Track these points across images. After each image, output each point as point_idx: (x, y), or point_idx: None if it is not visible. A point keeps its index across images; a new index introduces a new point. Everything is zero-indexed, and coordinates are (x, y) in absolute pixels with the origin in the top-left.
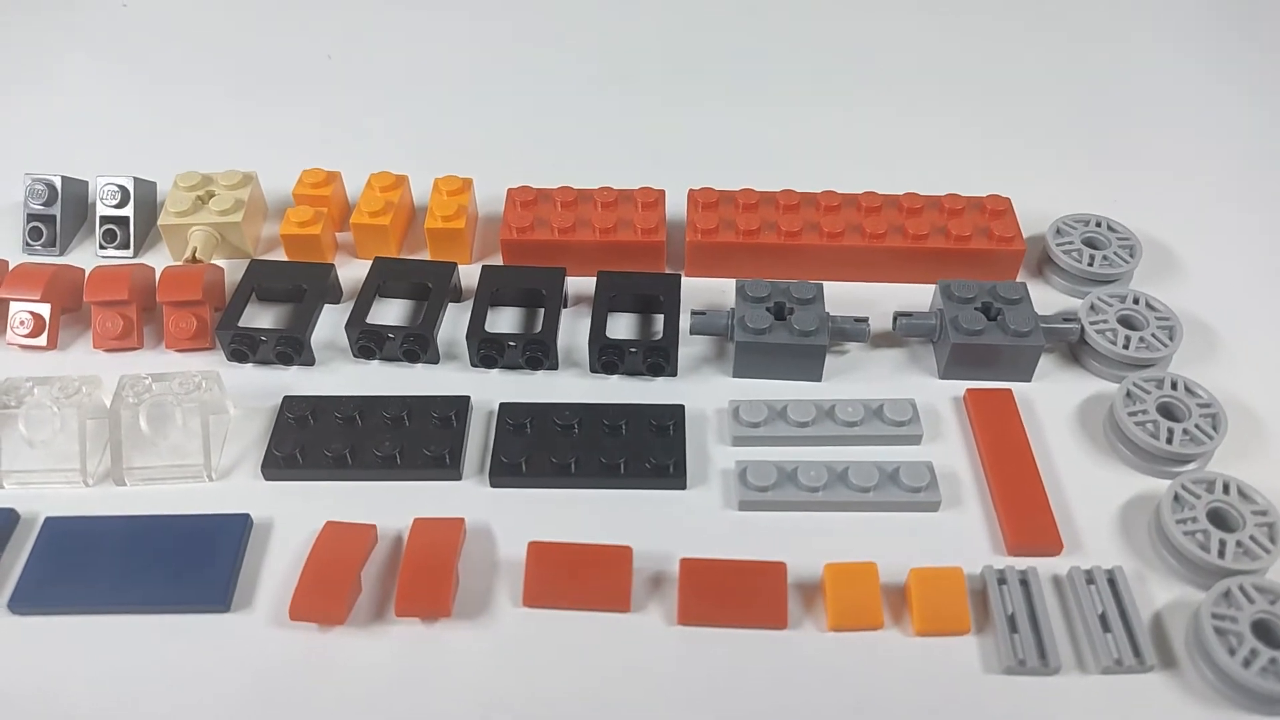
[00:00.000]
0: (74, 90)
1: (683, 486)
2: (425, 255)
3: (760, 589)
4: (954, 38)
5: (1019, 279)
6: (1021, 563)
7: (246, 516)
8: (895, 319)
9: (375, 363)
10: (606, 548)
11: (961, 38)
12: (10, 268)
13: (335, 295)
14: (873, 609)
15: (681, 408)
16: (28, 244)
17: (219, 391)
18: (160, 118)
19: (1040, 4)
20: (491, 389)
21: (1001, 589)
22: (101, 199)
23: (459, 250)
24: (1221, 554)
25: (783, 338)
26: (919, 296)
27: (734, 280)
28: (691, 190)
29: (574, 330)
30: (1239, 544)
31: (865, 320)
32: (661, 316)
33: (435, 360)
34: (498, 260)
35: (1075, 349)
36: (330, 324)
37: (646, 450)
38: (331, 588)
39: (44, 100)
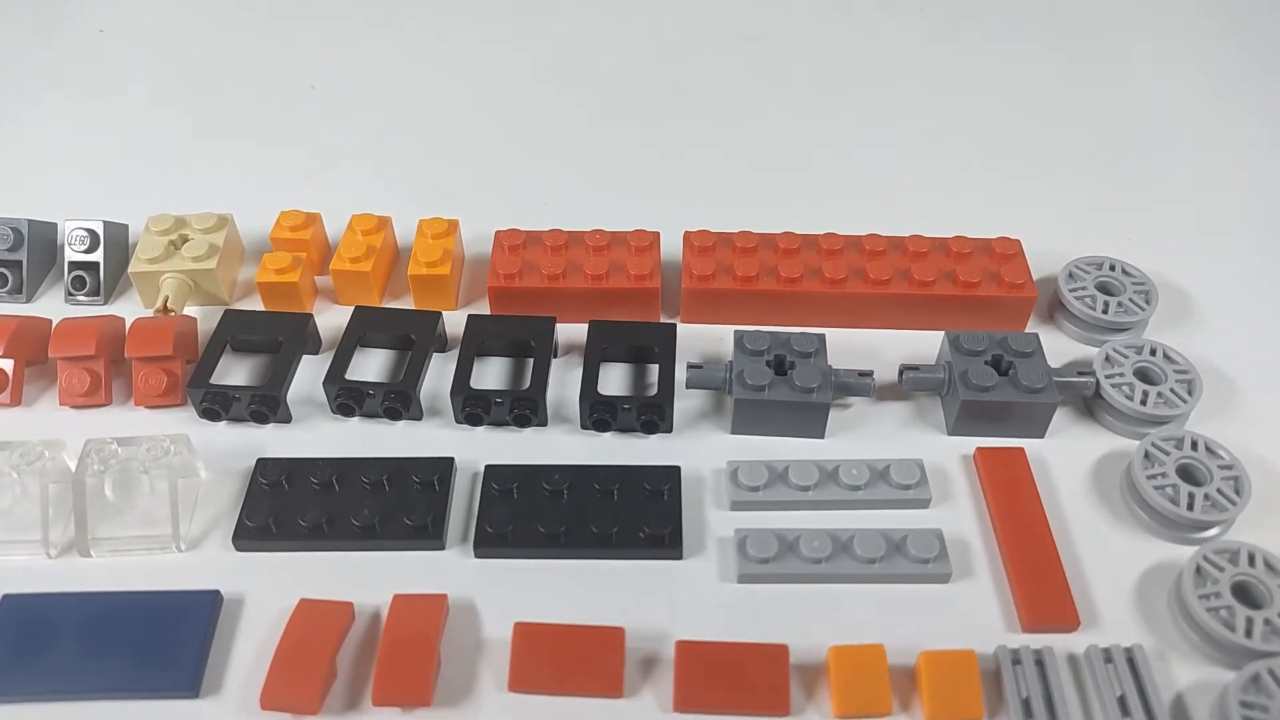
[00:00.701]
0: (40, 125)
1: (679, 556)
2: (409, 300)
3: (761, 673)
4: (957, 73)
5: (1029, 324)
6: (1037, 640)
7: (216, 594)
8: (901, 373)
9: (355, 420)
10: (597, 629)
11: (965, 73)
12: None
13: (314, 346)
14: (881, 695)
15: (677, 470)
16: None
17: (189, 455)
18: (131, 153)
19: (1048, 38)
20: (477, 448)
21: (1016, 670)
22: (70, 244)
23: (444, 297)
24: (1249, 633)
25: (784, 395)
26: (925, 344)
27: (731, 327)
28: (687, 233)
29: (564, 381)
30: (1267, 622)
31: (870, 374)
32: (656, 367)
33: (418, 417)
34: (485, 306)
35: (1089, 403)
36: (308, 375)
37: (641, 517)
38: (305, 674)
39: (7, 136)
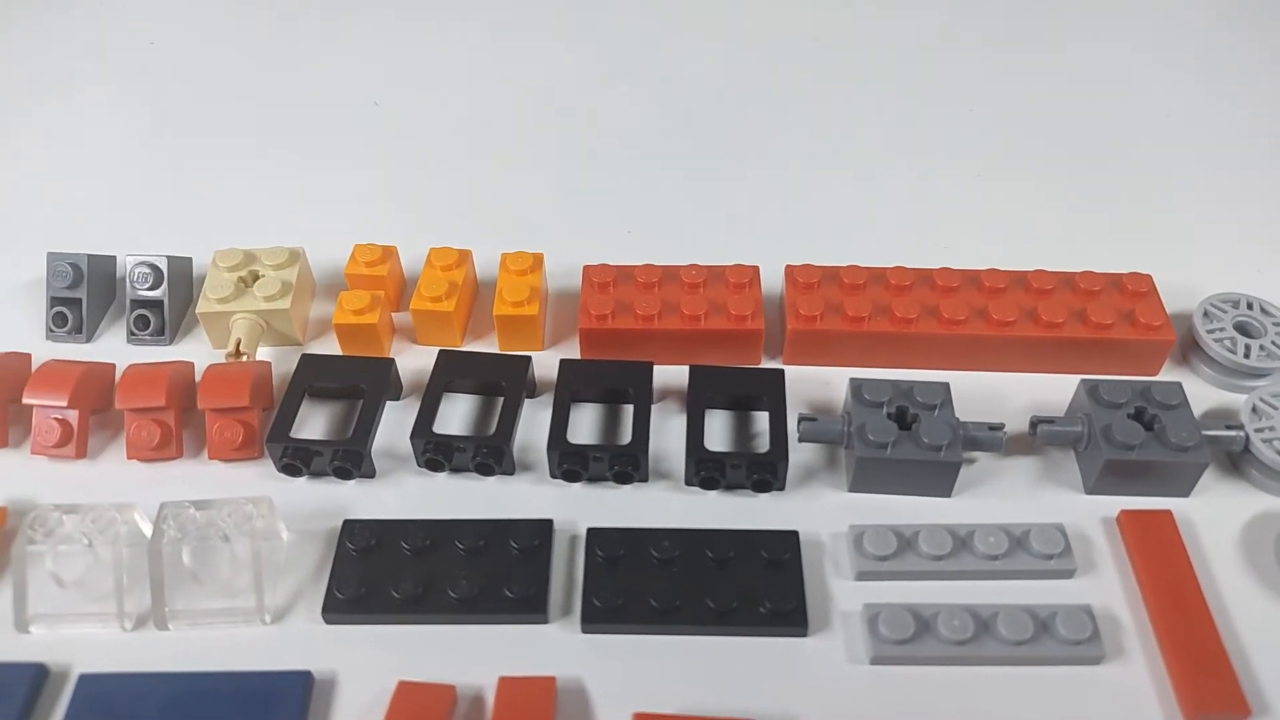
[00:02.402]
0: (90, 149)
1: (803, 634)
2: (490, 339)
3: None
4: (1068, 90)
5: (1163, 367)
6: None
7: (308, 674)
8: (1034, 425)
9: (442, 475)
10: None
11: (1075, 88)
12: (33, 361)
13: (395, 392)
14: None
15: (796, 536)
16: (51, 330)
17: (272, 518)
18: (185, 180)
19: (1167, 53)
20: (574, 506)
21: None
22: (132, 281)
23: (530, 338)
24: None
25: (910, 453)
26: (1049, 389)
27: (835, 370)
28: (789, 267)
29: (663, 431)
30: None
31: (1001, 428)
32: (761, 415)
33: (510, 472)
34: (570, 346)
35: (1235, 457)
36: (390, 422)
37: (759, 588)
38: None
39: (57, 161)
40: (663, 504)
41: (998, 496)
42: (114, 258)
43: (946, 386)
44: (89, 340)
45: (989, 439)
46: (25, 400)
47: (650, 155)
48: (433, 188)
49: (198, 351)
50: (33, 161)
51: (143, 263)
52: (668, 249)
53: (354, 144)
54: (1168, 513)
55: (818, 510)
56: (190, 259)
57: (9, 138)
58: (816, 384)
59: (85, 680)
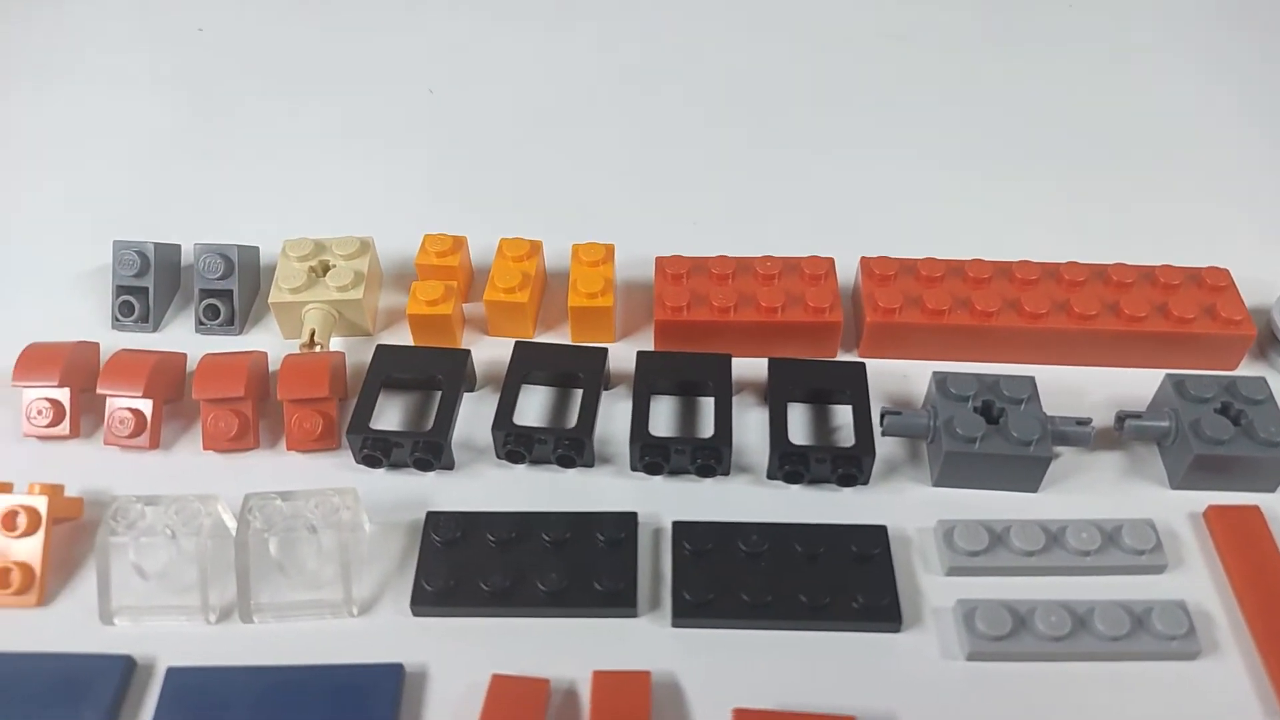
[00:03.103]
0: (144, 135)
1: (897, 629)
2: (561, 330)
3: None
4: (1137, 88)
5: (1241, 362)
6: None
7: (399, 667)
8: (1121, 420)
9: (522, 467)
10: (827, 718)
11: (1146, 85)
12: (101, 350)
13: (470, 383)
14: None
15: (884, 530)
16: (117, 319)
17: (357, 510)
18: (245, 169)
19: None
20: (653, 499)
21: None
22: (202, 270)
23: (604, 330)
24: None
25: (999, 447)
26: (1127, 383)
27: (912, 363)
28: (864, 259)
29: (740, 424)
30: None
31: (1089, 423)
32: (839, 408)
33: (590, 464)
34: (639, 338)
35: None
36: (464, 414)
37: (849, 583)
38: None
39: (122, 155)
40: (746, 498)
41: (1082, 491)
42: (179, 246)
43: (1033, 380)
44: (155, 329)
45: (1076, 434)
46: (99, 391)
47: (715, 147)
48: (489, 179)
49: (266, 341)
50: (94, 151)
51: (213, 252)
52: (733, 241)
53: (411, 135)
54: (1255, 508)
55: (902, 505)
56: (257, 248)
57: (71, 127)
58: (894, 377)
59: (174, 673)
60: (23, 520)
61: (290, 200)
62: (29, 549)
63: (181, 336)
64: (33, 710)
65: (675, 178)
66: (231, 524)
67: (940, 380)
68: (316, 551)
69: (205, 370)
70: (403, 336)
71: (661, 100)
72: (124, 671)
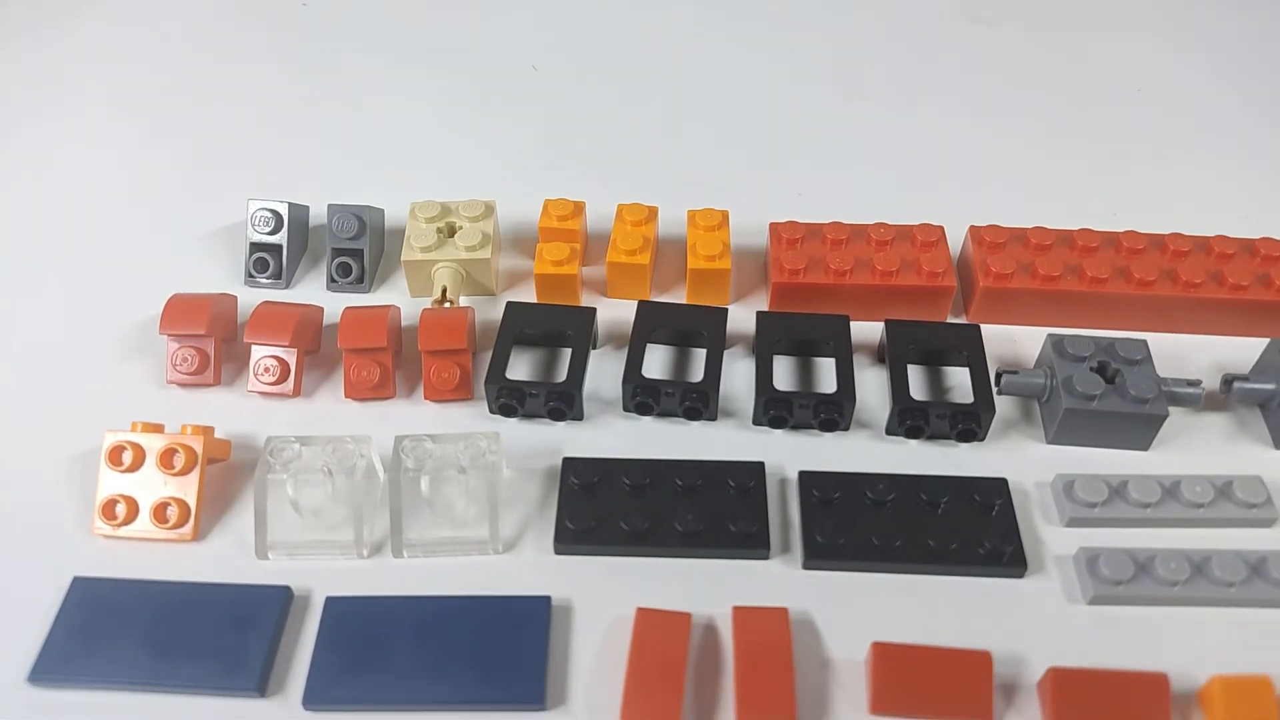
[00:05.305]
0: (255, 105)
1: (1021, 574)
2: (676, 293)
3: (1138, 702)
4: (1236, 55)
5: None
6: None
7: (547, 599)
8: (1228, 383)
9: (648, 419)
10: (963, 652)
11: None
12: (238, 302)
13: (595, 341)
14: None
15: (1005, 482)
16: (250, 275)
17: (501, 452)
18: (351, 135)
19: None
20: (777, 452)
21: None
22: (335, 231)
23: (720, 292)
24: None
25: (1116, 405)
26: (1227, 349)
27: (1020, 328)
28: (974, 227)
29: (860, 384)
30: None
31: (1199, 384)
32: (953, 369)
33: (714, 418)
34: (752, 301)
35: None
36: (590, 370)
37: (974, 531)
38: (663, 690)
39: (252, 122)
40: (866, 452)
41: (1190, 452)
42: (308, 207)
43: (1145, 344)
44: (288, 286)
45: (1187, 395)
46: (246, 340)
47: (816, 121)
48: (594, 148)
49: (394, 299)
50: (219, 118)
51: (347, 212)
52: (834, 212)
53: (519, 106)
54: None
55: (1018, 461)
56: (383, 210)
57: (209, 96)
58: (1003, 341)
59: (333, 602)
60: (180, 459)
61: (404, 168)
62: (185, 486)
63: (312, 293)
64: (200, 635)
65: (779, 149)
66: (379, 466)
67: (1056, 341)
68: (464, 491)
69: (349, 322)
70: (524, 297)
71: (763, 75)
72: (284, 600)
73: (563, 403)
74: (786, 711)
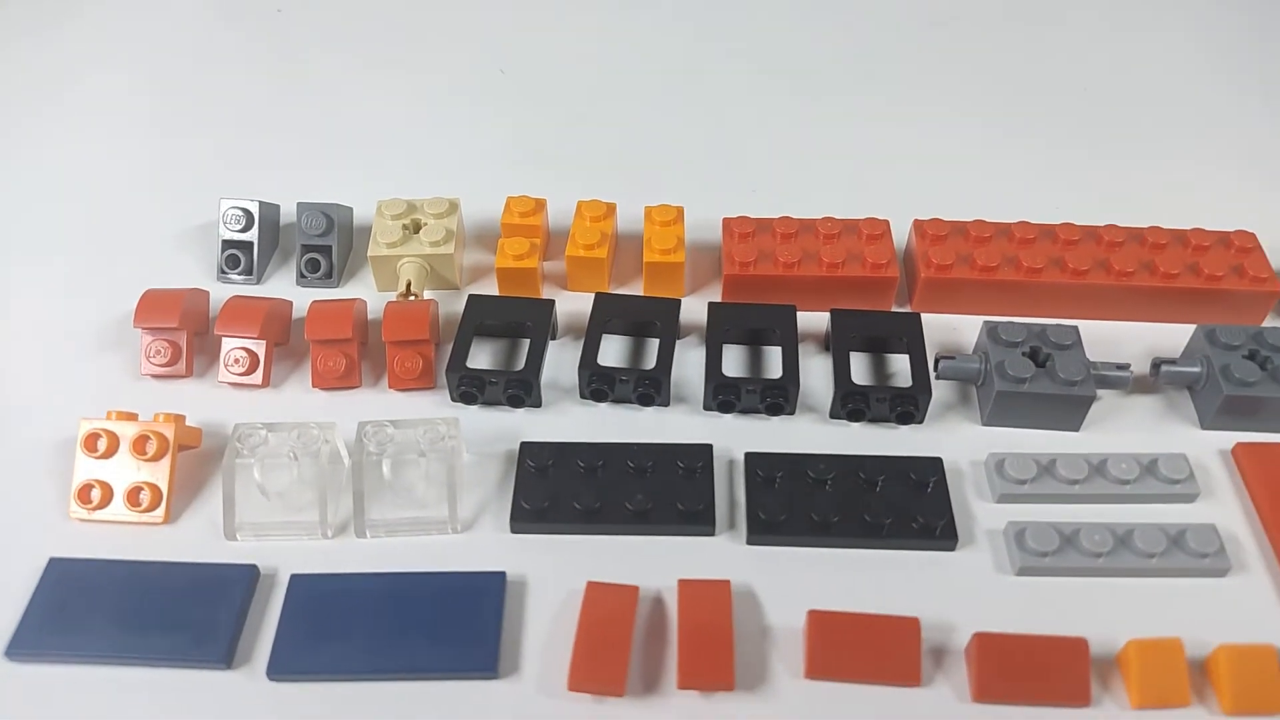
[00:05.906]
0: (229, 107)
1: (952, 548)
2: (633, 286)
3: (1059, 665)
4: (1177, 56)
5: (1267, 316)
6: None
7: (502, 575)
8: (1156, 366)
9: (604, 405)
10: (893, 619)
11: (1186, 54)
12: (210, 298)
13: (554, 331)
14: (1180, 687)
15: (940, 461)
16: (223, 271)
17: (460, 437)
18: (321, 135)
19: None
20: (725, 435)
21: None
22: (304, 228)
23: (674, 285)
24: None
25: (1046, 387)
26: (1160, 336)
27: (961, 317)
28: (918, 221)
29: (802, 371)
30: None
31: (1127, 367)
32: (894, 356)
33: (666, 403)
34: (705, 293)
35: None
36: (547, 360)
37: (910, 508)
38: (609, 657)
39: (212, 124)
40: (810, 434)
41: (1120, 432)
42: (278, 206)
43: (1076, 329)
44: (259, 282)
45: (1116, 377)
46: (217, 332)
47: (769, 120)
48: (553, 147)
49: (361, 293)
50: (190, 120)
51: (316, 210)
52: (785, 208)
53: (483, 108)
54: None
55: (955, 441)
56: (351, 208)
57: (184, 99)
58: (943, 329)
59: (297, 580)
60: (152, 445)
61: (372, 168)
62: (157, 471)
63: (282, 288)
64: (170, 611)
65: (734, 147)
66: (344, 451)
67: (991, 329)
68: (424, 474)
69: (316, 314)
70: (487, 290)
71: (720, 76)
72: (250, 578)
73: (521, 390)
74: (724, 676)
